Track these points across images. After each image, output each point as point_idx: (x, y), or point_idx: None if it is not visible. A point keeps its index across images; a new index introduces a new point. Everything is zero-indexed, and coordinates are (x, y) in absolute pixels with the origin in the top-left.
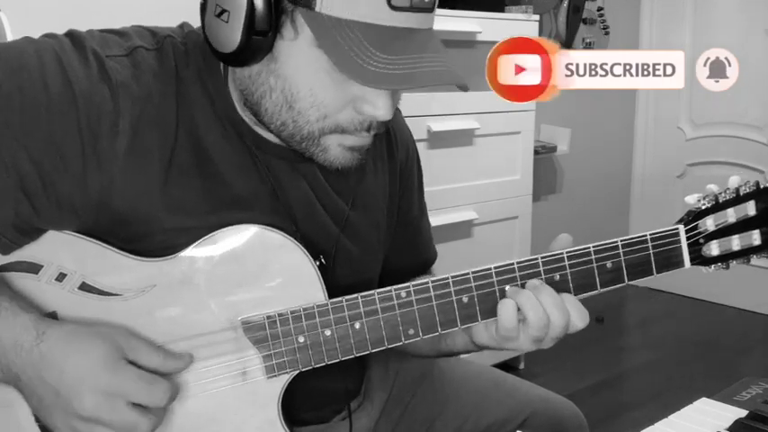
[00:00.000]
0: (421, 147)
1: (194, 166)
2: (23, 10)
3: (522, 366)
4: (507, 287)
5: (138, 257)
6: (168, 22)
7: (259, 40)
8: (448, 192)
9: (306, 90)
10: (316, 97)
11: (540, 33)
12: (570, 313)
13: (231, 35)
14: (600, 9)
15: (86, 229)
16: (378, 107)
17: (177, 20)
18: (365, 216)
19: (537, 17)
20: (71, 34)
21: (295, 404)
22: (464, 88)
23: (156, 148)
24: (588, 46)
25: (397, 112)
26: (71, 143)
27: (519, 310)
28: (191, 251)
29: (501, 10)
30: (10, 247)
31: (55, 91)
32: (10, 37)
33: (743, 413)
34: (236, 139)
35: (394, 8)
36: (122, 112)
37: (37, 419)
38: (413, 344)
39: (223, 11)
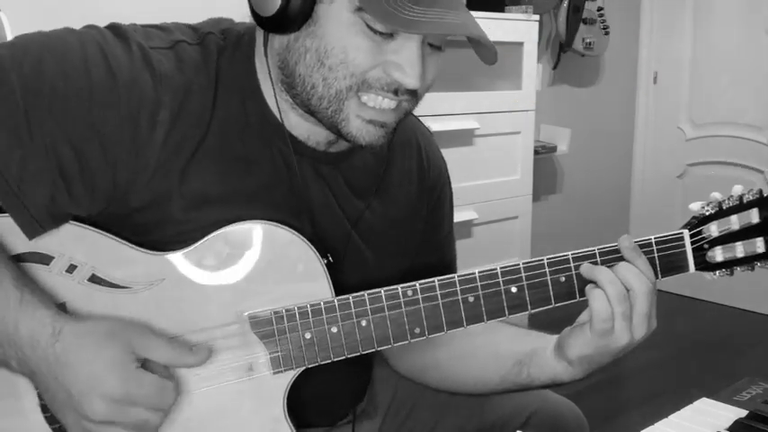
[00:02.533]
0: None
1: (216, 158)
2: (23, 10)
3: None
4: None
5: (149, 251)
6: (173, 20)
7: (298, 2)
8: None
9: (339, 47)
10: (347, 54)
11: (540, 33)
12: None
13: None
14: (600, 9)
15: (105, 215)
16: (407, 73)
17: (182, 19)
18: (385, 223)
19: (537, 17)
20: (113, 27)
21: (302, 407)
22: (491, 51)
23: (188, 138)
24: (588, 46)
25: (430, 135)
26: (112, 132)
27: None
28: (200, 246)
29: (501, 10)
30: (38, 233)
31: (97, 80)
32: (10, 37)
33: (743, 413)
34: (262, 133)
35: None
36: (163, 103)
37: (43, 410)
38: (478, 380)
39: None
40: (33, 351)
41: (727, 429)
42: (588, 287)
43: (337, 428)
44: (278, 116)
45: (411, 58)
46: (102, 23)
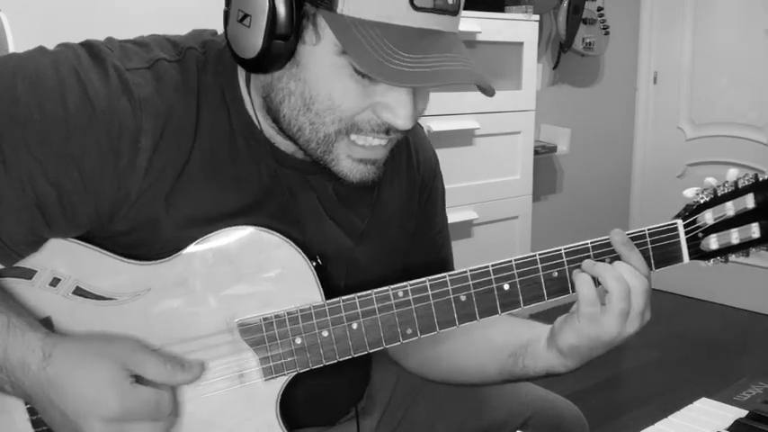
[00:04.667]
0: None
1: (204, 176)
2: (23, 10)
3: None
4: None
5: (133, 261)
6: (167, 22)
7: (280, 44)
8: (448, 192)
9: (324, 93)
10: (333, 101)
11: (540, 33)
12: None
13: (253, 40)
14: (600, 9)
15: (89, 236)
16: (398, 115)
17: (174, 21)
18: (377, 230)
19: (537, 17)
20: (89, 45)
21: (299, 408)
22: (489, 91)
23: (172, 161)
24: (588, 46)
25: (419, 129)
26: (91, 163)
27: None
28: (186, 254)
29: (501, 10)
30: (15, 260)
31: (74, 108)
32: (10, 37)
33: (743, 413)
34: (249, 148)
35: (417, 8)
36: (144, 130)
37: (33, 425)
38: (477, 371)
39: (245, 15)
40: (25, 375)
41: (727, 429)
42: (575, 272)
43: (336, 428)
44: (263, 130)
45: (402, 99)
46: (101, 24)
